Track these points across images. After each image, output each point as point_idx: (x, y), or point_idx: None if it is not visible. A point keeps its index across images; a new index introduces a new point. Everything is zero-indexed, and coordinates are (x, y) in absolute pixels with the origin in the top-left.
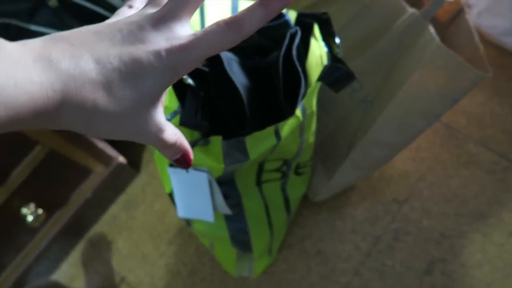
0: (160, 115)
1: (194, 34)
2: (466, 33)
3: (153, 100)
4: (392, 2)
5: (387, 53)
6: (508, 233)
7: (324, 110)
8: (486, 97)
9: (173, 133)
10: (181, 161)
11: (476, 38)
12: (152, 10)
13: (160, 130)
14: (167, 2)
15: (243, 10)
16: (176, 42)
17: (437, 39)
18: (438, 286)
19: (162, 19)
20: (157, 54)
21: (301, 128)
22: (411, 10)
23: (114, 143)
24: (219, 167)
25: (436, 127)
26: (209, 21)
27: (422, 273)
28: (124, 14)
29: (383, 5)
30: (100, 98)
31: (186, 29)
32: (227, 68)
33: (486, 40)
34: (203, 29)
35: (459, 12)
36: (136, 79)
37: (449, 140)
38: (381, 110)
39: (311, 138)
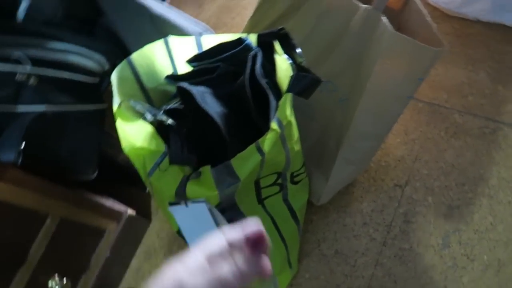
0: None
1: None
2: (418, 15)
3: None
4: (345, 4)
5: (351, 51)
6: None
7: (308, 117)
8: (460, 67)
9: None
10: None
11: (428, 18)
12: None
13: None
14: None
15: None
16: None
17: (390, 27)
18: (459, 256)
19: None
20: None
21: (282, 139)
22: (364, 6)
23: (120, 197)
24: (214, 194)
25: (419, 107)
26: (178, 61)
27: (440, 248)
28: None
29: (337, 8)
30: None
31: None
32: (201, 101)
33: (447, 15)
34: None
35: None
36: None
37: (434, 116)
38: (357, 105)
39: (296, 146)
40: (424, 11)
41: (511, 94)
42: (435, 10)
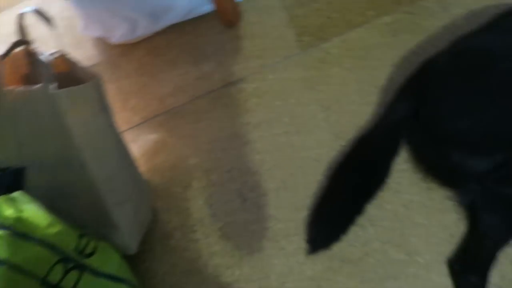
0: None
1: None
2: (76, 66)
3: None
4: (22, 96)
5: (54, 125)
6: (262, 124)
7: (63, 196)
8: (169, 73)
9: None
10: None
11: (73, 65)
12: None
13: None
14: None
15: None
16: None
17: (52, 90)
18: (254, 203)
19: None
20: None
21: (19, 236)
22: (36, 87)
23: None
24: None
25: (159, 121)
26: None
27: (241, 204)
28: None
29: (18, 105)
30: None
31: None
32: None
33: (134, 44)
34: None
35: (65, 58)
36: None
37: (175, 117)
38: (84, 160)
39: (52, 229)
40: (75, 61)
41: (210, 67)
42: (123, 46)
